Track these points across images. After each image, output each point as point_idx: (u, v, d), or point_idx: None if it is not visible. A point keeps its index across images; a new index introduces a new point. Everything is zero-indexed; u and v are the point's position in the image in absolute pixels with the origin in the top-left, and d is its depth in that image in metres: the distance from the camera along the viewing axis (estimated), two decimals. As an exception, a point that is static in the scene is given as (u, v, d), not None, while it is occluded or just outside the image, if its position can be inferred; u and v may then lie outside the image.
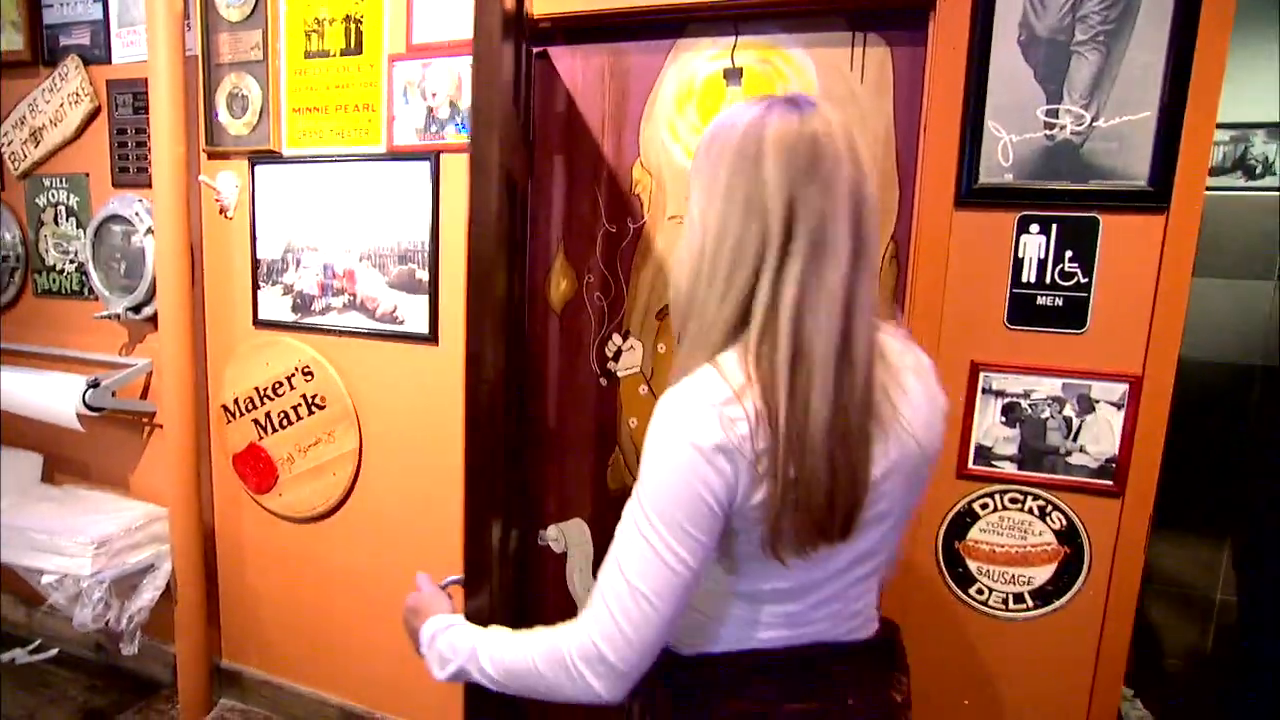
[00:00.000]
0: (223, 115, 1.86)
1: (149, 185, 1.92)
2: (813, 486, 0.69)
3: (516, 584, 1.71)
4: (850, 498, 0.72)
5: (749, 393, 0.69)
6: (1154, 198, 1.25)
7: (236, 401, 1.95)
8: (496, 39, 1.01)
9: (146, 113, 1.91)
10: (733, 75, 1.50)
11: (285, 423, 1.89)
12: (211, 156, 1.91)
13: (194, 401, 1.93)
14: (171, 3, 1.77)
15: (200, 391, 1.98)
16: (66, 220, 2.15)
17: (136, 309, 2.00)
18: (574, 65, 1.61)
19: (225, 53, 1.85)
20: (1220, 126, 2.34)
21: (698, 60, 1.52)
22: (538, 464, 1.77)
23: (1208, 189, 2.44)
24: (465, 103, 1.62)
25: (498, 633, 0.83)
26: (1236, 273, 2.33)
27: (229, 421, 1.97)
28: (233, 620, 2.16)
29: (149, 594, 1.98)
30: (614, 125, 1.61)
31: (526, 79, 1.57)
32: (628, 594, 0.70)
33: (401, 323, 1.75)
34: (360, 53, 1.70)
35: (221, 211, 1.92)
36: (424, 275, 1.71)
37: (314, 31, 1.75)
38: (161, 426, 2.06)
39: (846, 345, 0.70)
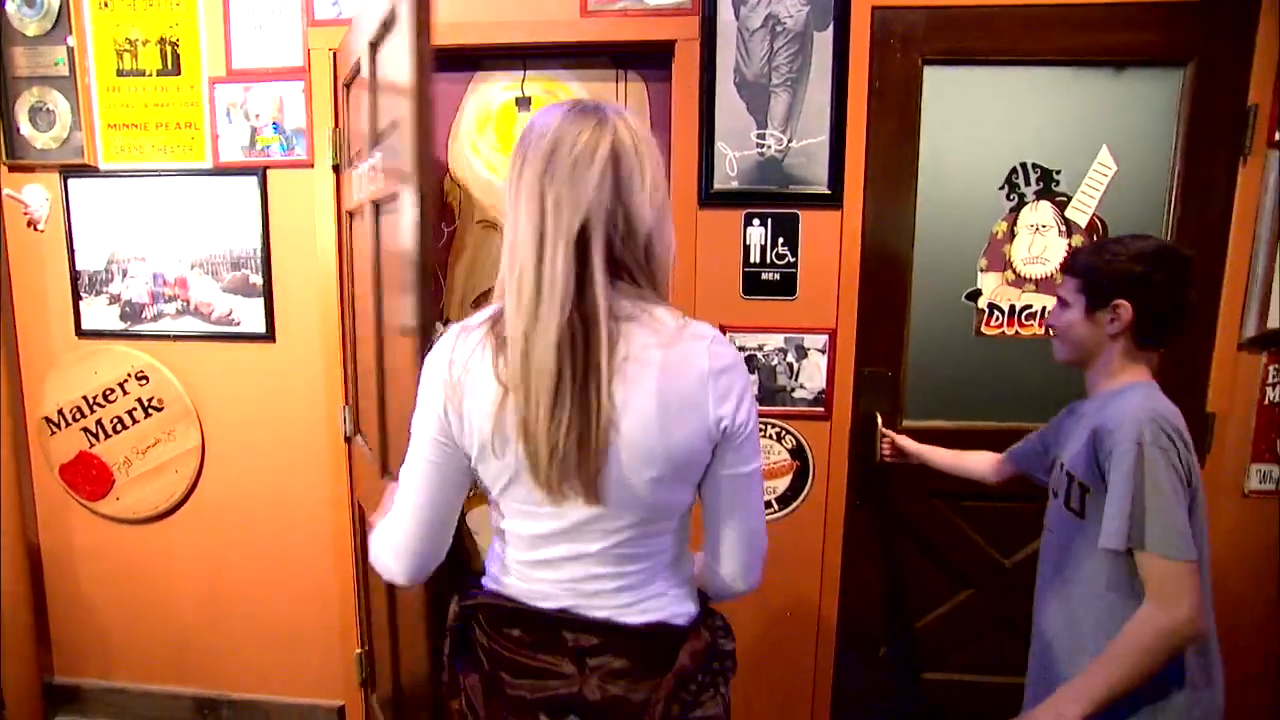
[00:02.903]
0: (25, 129, 1.88)
1: (-63, 199, 1.89)
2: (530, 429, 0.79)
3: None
4: (567, 463, 0.79)
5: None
6: (832, 199, 1.73)
7: (61, 412, 1.97)
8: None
9: (-68, 125, 1.89)
10: (523, 103, 1.83)
11: (120, 427, 1.95)
12: (13, 169, 1.92)
13: (10, 416, 1.93)
14: (-42, 15, 1.79)
15: (16, 406, 1.97)
16: None
17: (-68, 327, 1.95)
18: (387, 91, 1.85)
19: (23, 65, 1.87)
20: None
21: (494, 90, 1.83)
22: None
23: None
24: (289, 123, 1.81)
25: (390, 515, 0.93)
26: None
27: (53, 433, 1.99)
28: (64, 635, 2.15)
29: (-30, 615, 1.95)
30: (426, 143, 1.87)
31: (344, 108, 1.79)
32: (402, 490, 0.89)
33: (238, 324, 1.89)
34: (179, 74, 1.82)
35: (30, 225, 1.93)
36: (258, 279, 1.87)
37: (126, 51, 1.84)
38: (-31, 446, 2.02)
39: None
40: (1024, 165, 1.70)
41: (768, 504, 1.85)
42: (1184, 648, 1.03)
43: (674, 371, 0.80)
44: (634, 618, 0.88)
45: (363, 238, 1.57)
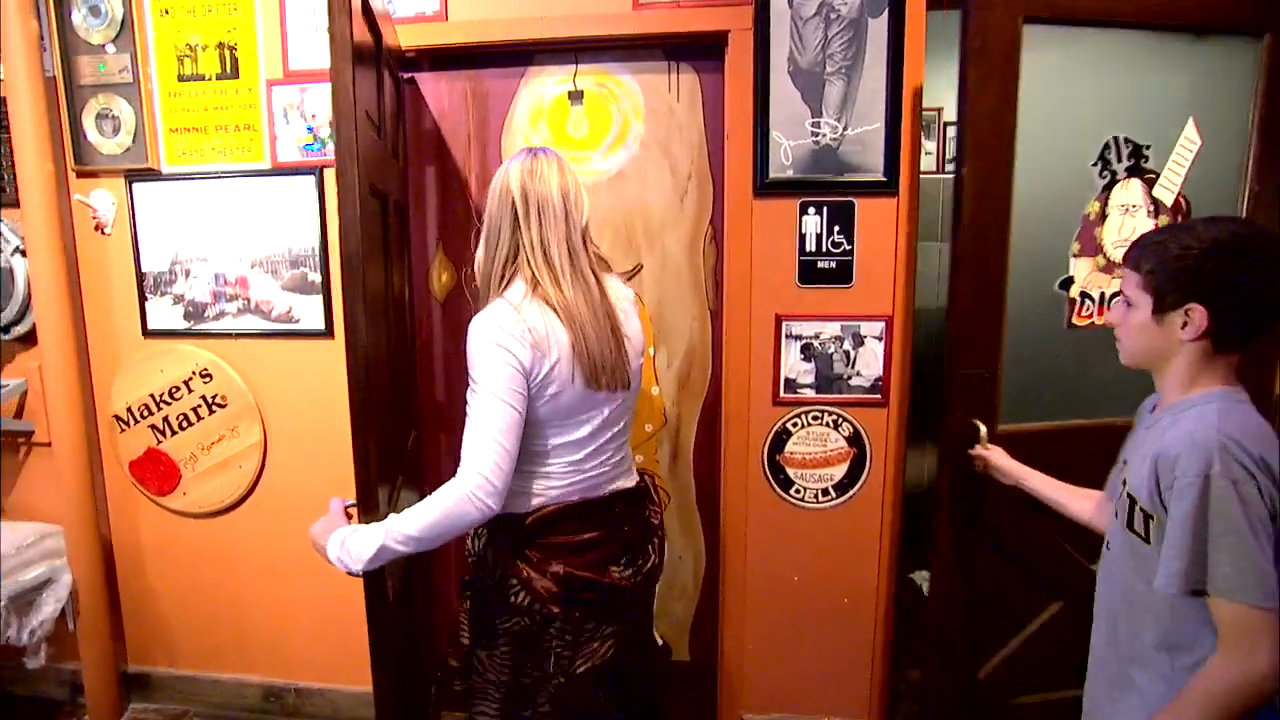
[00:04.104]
0: (93, 135, 1.93)
1: (11, 205, 1.95)
2: (589, 351, 1.15)
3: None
4: (614, 364, 1.18)
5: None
6: (888, 186, 1.72)
7: (130, 410, 2.03)
8: (349, 75, 1.22)
9: (3, 133, 1.94)
10: (575, 97, 1.84)
11: (185, 424, 2.01)
12: (81, 175, 1.97)
13: (83, 415, 1.99)
14: (26, 25, 1.83)
15: (88, 404, 2.03)
16: (-92, 245, 2.10)
17: (5, 329, 2.02)
18: (440, 89, 1.88)
19: (88, 74, 1.92)
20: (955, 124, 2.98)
21: (546, 84, 1.84)
22: (431, 431, 2.02)
23: (951, 173, 3.07)
24: (344, 122, 1.83)
25: (394, 515, 1.12)
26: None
27: (122, 430, 2.05)
28: (136, 625, 2.22)
29: (50, 606, 2.01)
30: (479, 139, 1.89)
31: (397, 102, 1.81)
32: (491, 439, 1.08)
33: (297, 321, 1.93)
34: (237, 77, 1.86)
35: (98, 229, 1.98)
36: (316, 277, 1.91)
37: (186, 56, 1.88)
38: (43, 444, 2.08)
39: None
40: (1117, 139, 1.61)
41: (824, 491, 1.86)
42: (1259, 706, 0.90)
43: (629, 304, 1.30)
44: (631, 481, 1.34)
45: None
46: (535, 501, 1.23)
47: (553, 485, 1.23)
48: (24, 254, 1.94)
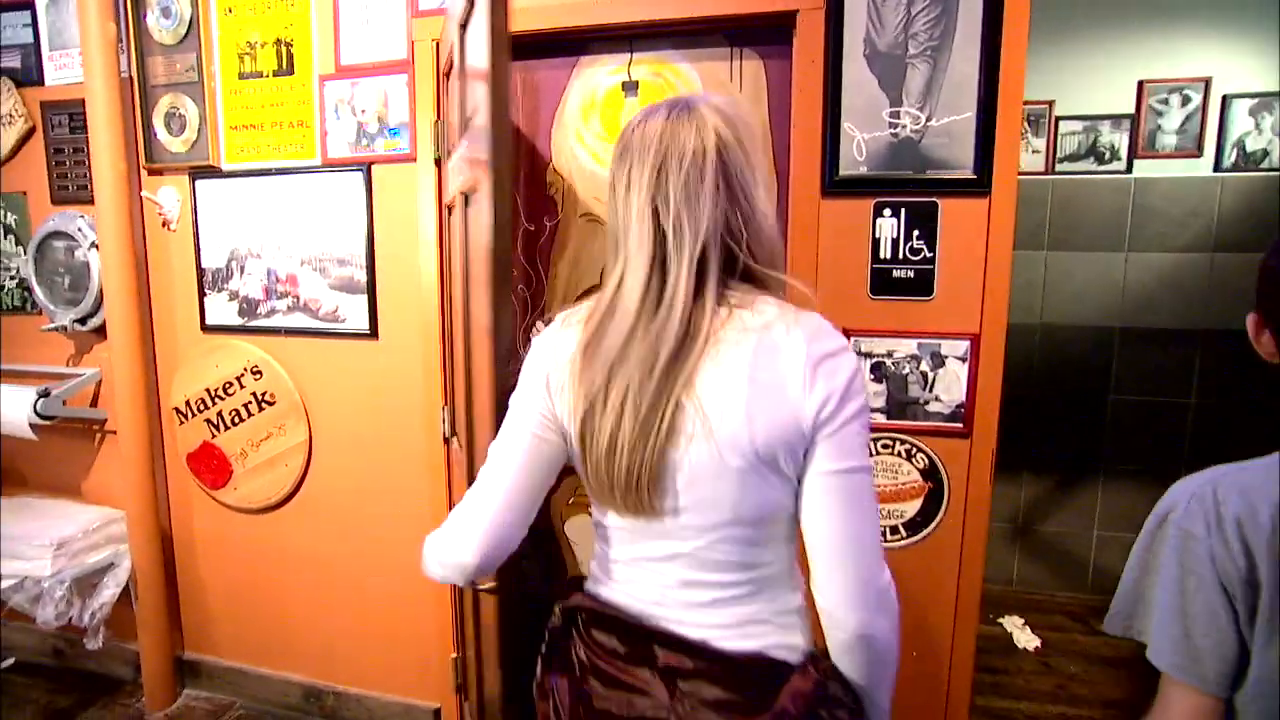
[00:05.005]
0: (161, 134, 1.97)
1: (90, 202, 2.02)
2: (590, 432, 0.81)
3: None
4: (626, 475, 0.78)
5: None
6: (978, 184, 1.50)
7: (188, 403, 2.06)
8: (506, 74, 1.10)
9: (83, 132, 2.01)
10: (630, 87, 1.71)
11: (237, 420, 2.02)
12: (151, 173, 2.02)
13: (146, 406, 2.03)
14: (105, 28, 1.88)
15: (152, 396, 2.08)
16: (5, 238, 2.22)
17: (83, 320, 2.09)
18: (490, 81, 1.79)
19: (160, 74, 1.96)
20: (1072, 118, 2.66)
21: (599, 75, 1.72)
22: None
23: (1063, 174, 2.75)
24: (393, 117, 1.78)
25: None
26: (1091, 246, 2.64)
27: (181, 423, 2.08)
28: (191, 613, 2.26)
29: (111, 590, 2.07)
30: (527, 134, 1.79)
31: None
32: (484, 475, 0.87)
33: (343, 321, 1.90)
34: (292, 73, 1.84)
35: (164, 225, 2.03)
36: (362, 277, 1.87)
37: (246, 54, 1.88)
38: (114, 432, 2.15)
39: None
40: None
41: (894, 529, 1.64)
42: None
43: (768, 355, 0.76)
44: (731, 644, 0.82)
45: (454, 232, 1.50)
46: (589, 583, 0.95)
47: (602, 580, 0.92)
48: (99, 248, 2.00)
